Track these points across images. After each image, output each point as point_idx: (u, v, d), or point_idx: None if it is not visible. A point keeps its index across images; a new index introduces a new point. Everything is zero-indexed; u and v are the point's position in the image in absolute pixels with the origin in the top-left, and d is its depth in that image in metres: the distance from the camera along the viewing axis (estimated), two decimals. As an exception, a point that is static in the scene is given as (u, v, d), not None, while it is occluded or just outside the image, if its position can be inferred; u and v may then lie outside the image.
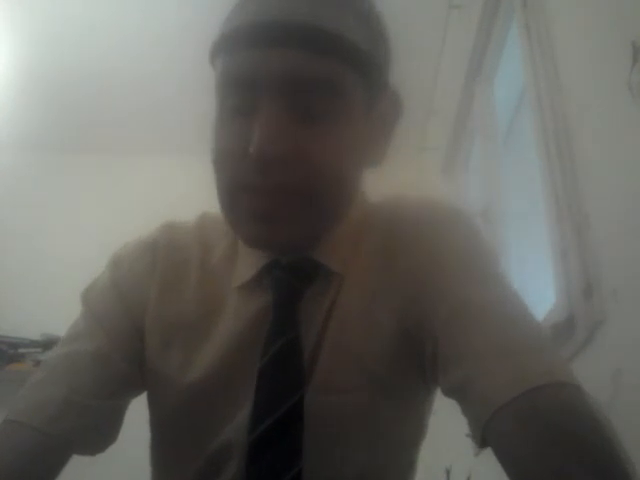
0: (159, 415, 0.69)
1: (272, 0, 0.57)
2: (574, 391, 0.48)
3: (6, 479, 0.55)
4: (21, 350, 2.62)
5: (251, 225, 0.59)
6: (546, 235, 1.50)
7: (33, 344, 2.62)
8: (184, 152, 2.89)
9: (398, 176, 1.41)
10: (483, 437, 0.49)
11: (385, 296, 0.64)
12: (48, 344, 2.49)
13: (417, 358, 0.61)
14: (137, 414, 0.72)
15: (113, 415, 0.66)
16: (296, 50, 0.55)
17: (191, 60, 1.47)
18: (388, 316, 0.63)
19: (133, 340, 0.66)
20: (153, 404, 0.69)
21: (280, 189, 0.57)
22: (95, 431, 0.63)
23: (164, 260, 0.69)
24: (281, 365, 0.60)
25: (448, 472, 1.83)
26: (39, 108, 2.85)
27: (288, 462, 0.57)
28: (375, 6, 0.63)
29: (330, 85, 0.56)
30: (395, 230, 0.66)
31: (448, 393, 0.56)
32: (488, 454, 0.51)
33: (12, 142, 2.97)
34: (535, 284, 1.75)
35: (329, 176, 0.58)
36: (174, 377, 0.65)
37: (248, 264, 0.66)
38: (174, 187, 2.88)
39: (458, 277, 0.60)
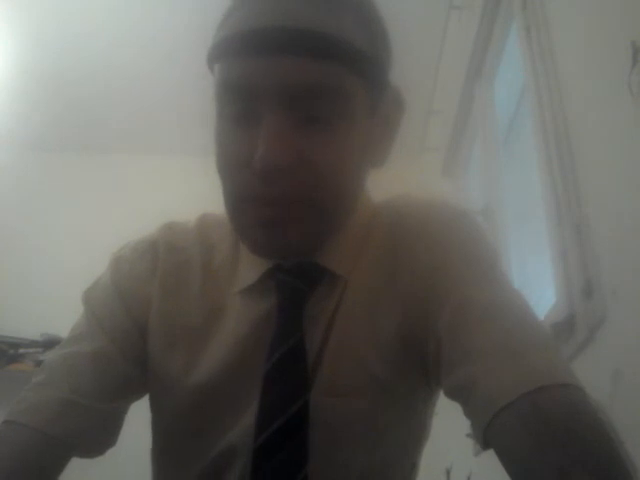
0: (161, 417, 0.68)
1: (268, 4, 0.56)
2: (577, 392, 0.48)
3: None
4: (21, 350, 2.63)
5: (257, 233, 0.58)
6: (546, 235, 1.50)
7: (33, 344, 2.62)
8: (184, 152, 2.89)
9: (398, 177, 1.41)
10: (485, 438, 0.49)
11: (389, 297, 0.63)
12: (48, 344, 2.49)
13: (420, 360, 0.61)
14: (137, 416, 0.72)
15: (113, 418, 0.66)
16: (295, 56, 0.54)
17: (192, 59, 1.47)
18: (392, 318, 0.63)
19: (134, 341, 0.66)
20: (155, 406, 0.68)
21: (285, 197, 0.56)
22: (94, 433, 0.63)
23: (165, 260, 0.69)
24: (286, 370, 0.60)
25: (448, 472, 1.84)
26: (39, 108, 2.85)
27: (294, 466, 0.57)
28: (374, 6, 0.63)
29: (331, 89, 0.55)
30: (400, 231, 0.66)
31: (451, 394, 0.56)
32: (488, 454, 0.50)
33: (12, 142, 2.97)
34: (535, 284, 1.75)
35: (334, 182, 0.58)
36: (178, 379, 0.64)
37: (251, 267, 0.65)
38: (174, 187, 2.88)
39: (462, 278, 0.59)
